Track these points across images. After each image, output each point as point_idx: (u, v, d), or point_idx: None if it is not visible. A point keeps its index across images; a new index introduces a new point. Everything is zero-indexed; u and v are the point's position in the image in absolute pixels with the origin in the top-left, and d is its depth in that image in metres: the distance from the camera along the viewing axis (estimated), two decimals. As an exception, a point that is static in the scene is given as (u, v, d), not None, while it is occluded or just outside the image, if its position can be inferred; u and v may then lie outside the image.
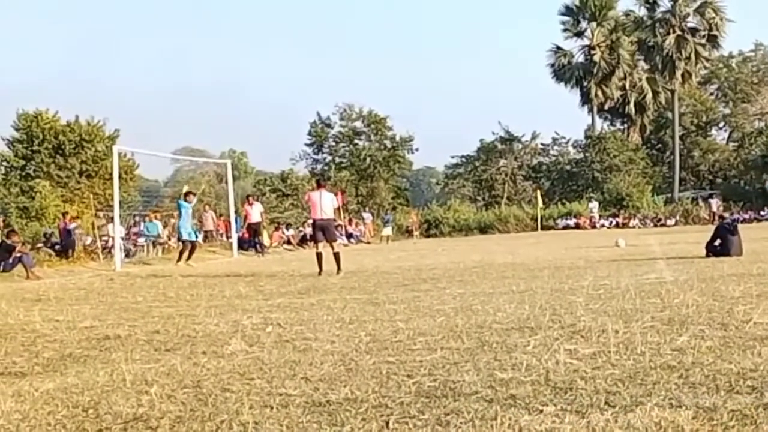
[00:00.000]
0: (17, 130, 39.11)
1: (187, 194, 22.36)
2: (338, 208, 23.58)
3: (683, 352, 5.22)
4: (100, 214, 29.17)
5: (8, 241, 19.44)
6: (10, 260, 18.86)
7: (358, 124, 61.11)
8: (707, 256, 15.52)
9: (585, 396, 4.15)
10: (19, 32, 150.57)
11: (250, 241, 29.14)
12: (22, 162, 38.37)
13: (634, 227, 46.96)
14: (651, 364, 4.86)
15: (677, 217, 49.28)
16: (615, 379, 4.49)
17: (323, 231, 15.76)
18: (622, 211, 51.24)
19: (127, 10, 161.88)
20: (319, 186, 16.49)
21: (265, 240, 29.90)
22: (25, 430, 3.99)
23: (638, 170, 57.88)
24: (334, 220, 16.35)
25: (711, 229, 17.72)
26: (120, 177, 27.10)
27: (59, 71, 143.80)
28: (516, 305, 8.26)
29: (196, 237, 23.74)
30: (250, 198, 31.00)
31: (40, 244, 24.68)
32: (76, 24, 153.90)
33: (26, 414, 4.32)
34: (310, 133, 61.31)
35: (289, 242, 33.52)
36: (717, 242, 15.81)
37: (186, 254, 21.86)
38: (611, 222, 49.55)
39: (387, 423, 3.81)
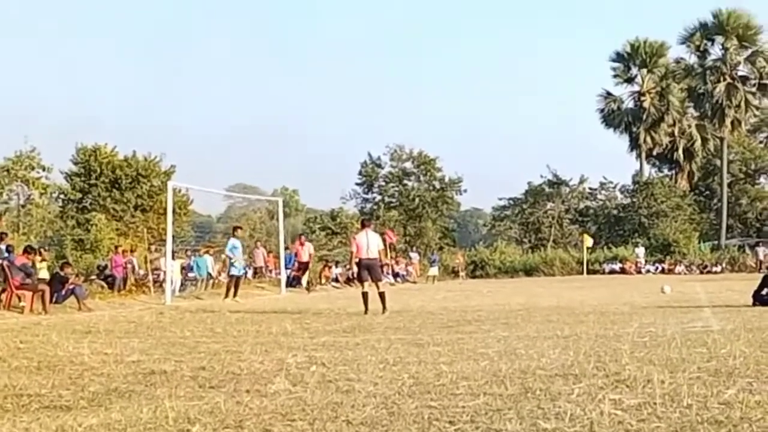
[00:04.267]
0: (75, 163, 39.95)
1: (236, 228, 22.83)
2: (385, 248, 23.62)
3: (731, 406, 5.11)
4: (153, 247, 29.56)
5: (62, 273, 19.79)
6: (63, 291, 19.17)
7: (408, 164, 61.36)
8: (754, 305, 15.20)
9: (629, 449, 4.07)
10: (83, 67, 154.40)
11: (299, 279, 29.46)
12: (79, 195, 39.11)
13: (679, 273, 46.29)
14: (698, 418, 4.77)
15: (723, 265, 48.58)
16: (660, 433, 4.40)
17: (369, 270, 15.81)
18: (668, 257, 50.69)
19: (184, 52, 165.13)
20: (363, 226, 16.63)
21: (305, 281, 30.01)
22: (67, 466, 4.03)
23: (685, 216, 57.29)
24: (380, 260, 16.37)
25: (758, 277, 17.36)
26: (174, 212, 27.56)
27: (119, 106, 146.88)
28: (560, 351, 8.17)
29: (245, 272, 24.07)
30: (302, 237, 31.41)
31: (93, 276, 25.07)
32: (138, 62, 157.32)
33: (70, 449, 4.37)
34: (360, 173, 61.69)
35: (336, 280, 33.62)
36: (764, 291, 15.49)
37: (233, 289, 22.13)
38: (657, 268, 49.05)
39: (426, 471, 3.78)
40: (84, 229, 35.20)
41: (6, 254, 18.26)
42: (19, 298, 17.78)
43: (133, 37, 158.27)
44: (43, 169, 34.43)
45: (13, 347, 10.00)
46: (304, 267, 29.57)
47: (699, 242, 53.95)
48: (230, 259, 22.83)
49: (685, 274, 46.22)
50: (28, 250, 19.27)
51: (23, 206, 34.44)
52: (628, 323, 11.55)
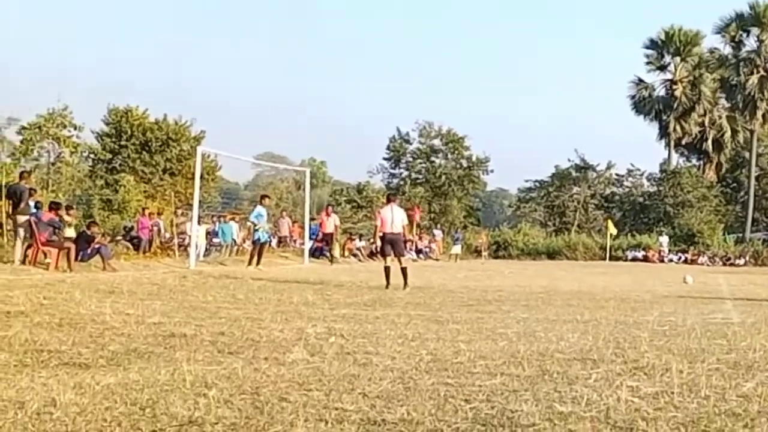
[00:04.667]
0: (107, 124, 40.22)
1: (263, 197, 23.06)
2: (410, 224, 23.63)
3: (749, 399, 5.05)
4: (179, 212, 29.76)
5: (88, 232, 19.97)
6: (89, 250, 19.35)
7: (437, 141, 61.23)
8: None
9: (644, 438, 4.05)
10: (117, 30, 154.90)
11: (322, 249, 29.51)
12: (109, 155, 39.43)
13: (702, 264, 45.90)
14: (715, 409, 4.72)
15: (747, 258, 48.00)
16: (677, 423, 4.36)
17: (392, 245, 15.81)
18: (691, 248, 50.28)
19: (220, 18, 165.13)
20: (389, 201, 16.64)
21: (336, 252, 30.14)
22: (80, 425, 4.05)
23: (711, 208, 56.83)
24: (404, 235, 16.34)
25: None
26: (202, 177, 27.69)
27: (153, 70, 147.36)
28: (579, 335, 8.13)
29: (269, 239, 24.21)
30: (329, 208, 31.43)
31: (119, 237, 25.28)
32: (173, 27, 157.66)
33: (84, 408, 4.40)
34: (389, 148, 61.62)
35: (357, 254, 33.70)
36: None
37: (256, 257, 22.25)
38: (680, 257, 48.65)
39: (439, 448, 3.78)
40: (112, 189, 35.50)
41: (34, 210, 18.44)
42: (45, 255, 17.97)
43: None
44: (75, 128, 34.70)
45: (37, 303, 10.12)
46: (327, 238, 29.56)
47: (723, 234, 53.47)
48: (254, 225, 22.96)
49: (708, 265, 45.81)
50: (52, 206, 19.42)
51: (53, 164, 34.73)
52: (649, 311, 11.47)
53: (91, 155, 39.74)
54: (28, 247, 18.04)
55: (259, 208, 23.13)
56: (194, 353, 6.39)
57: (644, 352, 6.94)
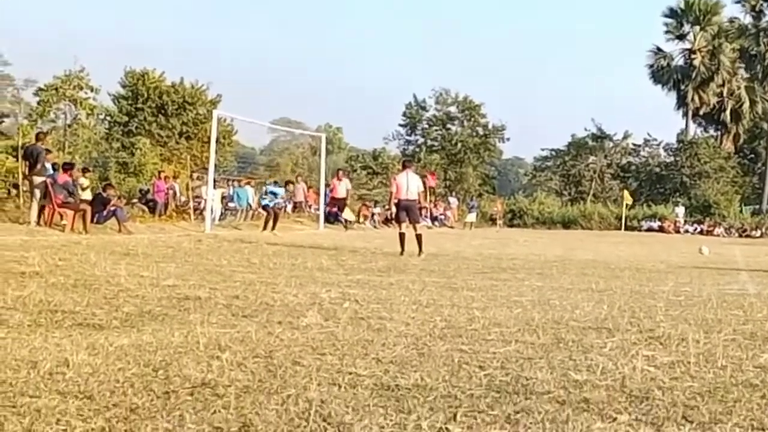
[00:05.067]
0: (123, 87, 40.17)
1: (287, 183, 23.35)
2: (425, 191, 23.60)
3: (766, 370, 5.00)
4: (195, 175, 29.77)
5: (104, 194, 20.03)
6: (105, 212, 19.43)
7: (453, 109, 60.97)
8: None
9: (661, 408, 3.99)
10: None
11: (335, 215, 29.48)
12: (125, 118, 39.38)
13: (718, 235, 45.65)
14: (732, 380, 4.67)
15: (763, 230, 47.70)
16: (693, 393, 4.32)
17: (407, 211, 15.77)
18: (707, 219, 50.02)
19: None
20: (404, 167, 16.52)
21: (348, 215, 30.11)
22: (93, 385, 4.04)
23: (728, 179, 56.51)
24: (419, 202, 16.28)
25: (797, 243, 17.06)
26: (217, 141, 27.66)
27: (169, 33, 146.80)
28: (594, 304, 8.08)
29: (284, 206, 24.37)
30: (340, 173, 31.30)
31: (135, 200, 25.35)
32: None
33: (97, 368, 4.39)
34: (405, 114, 61.41)
35: (373, 218, 33.71)
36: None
37: (271, 222, 22.30)
38: (695, 228, 48.47)
39: (455, 415, 3.74)
40: (128, 152, 35.52)
41: (51, 172, 18.48)
42: (61, 216, 18.04)
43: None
44: (91, 90, 34.63)
45: (52, 264, 10.15)
46: (339, 204, 29.43)
47: (740, 205, 53.28)
48: (263, 194, 23.15)
49: (723, 236, 45.59)
50: (66, 167, 19.43)
51: (69, 126, 34.74)
52: (664, 281, 11.40)
53: (108, 117, 39.72)
54: (44, 208, 18.11)
55: (279, 189, 23.31)
56: (208, 316, 6.38)
57: (660, 322, 6.89)
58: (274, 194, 23.11)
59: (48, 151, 19.14)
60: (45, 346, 4.95)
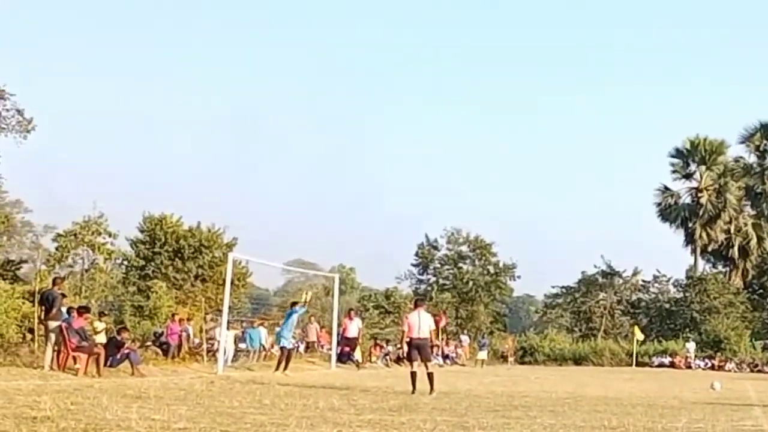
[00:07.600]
0: (141, 231, 40.91)
1: (293, 303, 23.27)
2: (437, 329, 23.68)
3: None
4: (209, 317, 29.91)
5: (118, 338, 20.17)
6: (118, 356, 19.50)
7: (464, 248, 61.62)
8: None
9: None
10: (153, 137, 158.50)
11: (348, 354, 29.45)
12: (143, 262, 39.90)
13: (729, 371, 45.38)
14: None
15: (775, 365, 47.36)
16: None
17: (419, 350, 15.85)
18: (718, 354, 49.76)
19: (249, 133, 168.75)
20: (416, 306, 16.75)
21: (357, 355, 30.05)
22: None
23: (738, 314, 56.29)
24: (431, 340, 16.39)
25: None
26: (232, 283, 27.93)
27: (189, 176, 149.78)
28: (606, 441, 8.09)
29: (297, 346, 24.30)
30: (351, 312, 31.50)
31: (149, 343, 25.44)
32: (209, 136, 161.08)
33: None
34: (417, 254, 62.06)
35: (386, 357, 33.56)
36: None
37: (284, 363, 22.31)
38: (707, 364, 48.15)
39: None
40: (144, 295, 35.78)
41: (67, 316, 18.72)
42: (75, 360, 18.14)
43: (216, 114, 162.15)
44: (110, 235, 35.22)
45: (64, 408, 10.22)
46: (350, 343, 29.47)
47: (751, 340, 52.91)
48: (281, 331, 23.15)
49: (735, 371, 45.39)
50: (81, 310, 19.63)
51: (87, 270, 35.19)
52: (677, 418, 11.35)
53: (125, 262, 40.23)
54: (58, 352, 18.23)
55: (293, 317, 23.36)
56: (217, 456, 6.45)
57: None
58: (288, 314, 23.23)
59: (63, 295, 19.43)
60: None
